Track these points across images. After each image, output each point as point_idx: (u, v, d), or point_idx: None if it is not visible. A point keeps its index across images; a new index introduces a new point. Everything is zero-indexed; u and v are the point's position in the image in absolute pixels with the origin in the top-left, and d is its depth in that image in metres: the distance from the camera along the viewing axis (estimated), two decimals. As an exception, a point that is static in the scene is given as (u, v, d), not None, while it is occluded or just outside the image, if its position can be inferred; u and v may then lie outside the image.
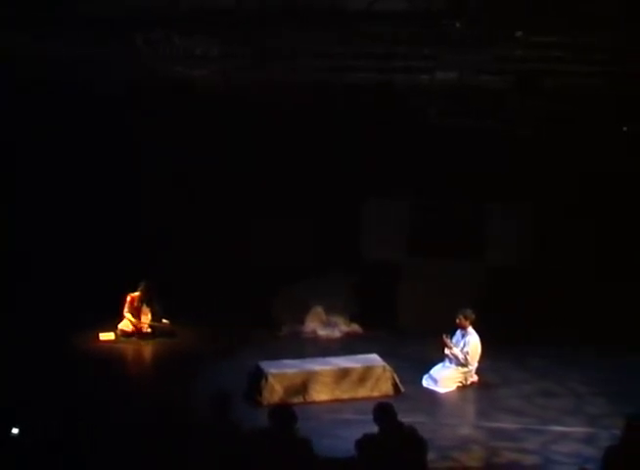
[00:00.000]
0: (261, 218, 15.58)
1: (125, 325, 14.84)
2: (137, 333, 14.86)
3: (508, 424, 11.23)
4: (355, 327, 15.69)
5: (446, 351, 12.74)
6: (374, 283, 15.83)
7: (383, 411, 8.19)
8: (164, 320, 15.03)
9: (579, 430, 11.02)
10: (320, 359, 12.58)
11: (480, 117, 13.12)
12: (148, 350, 14.61)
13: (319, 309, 15.68)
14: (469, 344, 12.70)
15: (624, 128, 13.94)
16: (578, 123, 13.96)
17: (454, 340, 12.82)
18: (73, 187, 15.24)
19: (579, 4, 8.90)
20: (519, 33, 9.69)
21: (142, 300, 14.99)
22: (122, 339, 14.76)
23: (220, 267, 15.53)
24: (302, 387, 11.86)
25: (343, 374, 12.11)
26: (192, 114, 14.30)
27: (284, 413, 7.79)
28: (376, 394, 11.95)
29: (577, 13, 9.01)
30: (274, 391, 11.66)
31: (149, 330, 14.90)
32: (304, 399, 11.77)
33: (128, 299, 14.94)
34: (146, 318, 14.96)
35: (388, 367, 12.30)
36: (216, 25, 9.77)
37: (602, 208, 15.19)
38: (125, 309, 14.87)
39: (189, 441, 7.70)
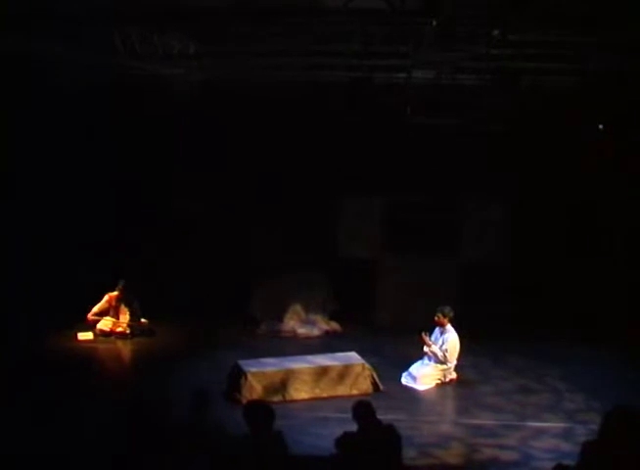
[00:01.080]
0: (239, 217, 15.58)
1: (104, 325, 14.80)
2: (115, 333, 14.81)
3: (487, 421, 11.28)
4: (334, 325, 15.72)
5: (425, 348, 12.78)
6: (352, 281, 15.86)
7: (362, 409, 8.22)
8: (143, 320, 14.98)
9: (558, 425, 11.08)
10: (299, 358, 12.57)
11: (456, 115, 13.15)
12: (126, 349, 14.56)
13: (298, 308, 15.69)
14: (447, 341, 12.74)
15: (600, 126, 14.01)
16: (554, 121, 14.05)
17: (433, 337, 12.85)
18: (51, 186, 15.16)
19: (555, 3, 8.94)
20: (495, 32, 9.71)
21: (120, 299, 14.95)
22: (101, 338, 14.71)
23: (198, 266, 15.52)
24: (282, 385, 11.85)
25: (323, 372, 12.11)
26: (169, 112, 14.26)
27: (260, 411, 7.77)
28: (355, 392, 11.97)
29: (553, 11, 9.04)
30: (253, 389, 11.65)
31: (127, 330, 14.85)
32: (284, 397, 11.77)
33: (106, 298, 14.90)
34: (124, 318, 14.91)
35: (367, 365, 12.32)
36: (193, 24, 9.75)
37: (576, 205, 15.30)
38: (94, 310, 14.81)
39: (168, 440, 7.70)
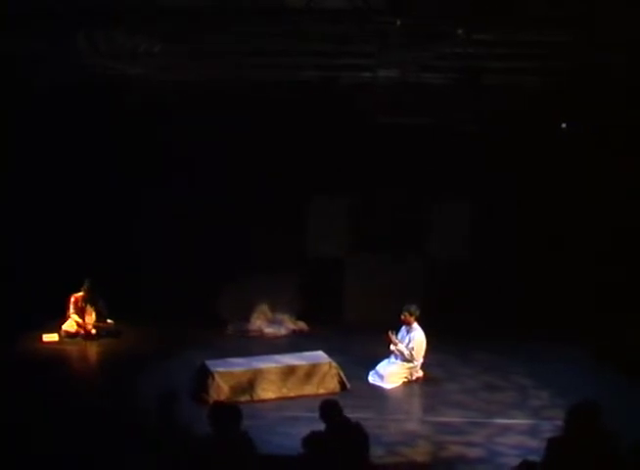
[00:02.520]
0: (206, 217, 15.54)
1: (69, 326, 14.71)
2: (81, 333, 14.72)
3: (453, 418, 11.34)
4: (301, 324, 15.73)
5: (392, 347, 12.82)
6: (319, 280, 15.89)
7: (328, 408, 8.24)
8: (109, 320, 14.92)
9: (523, 422, 11.16)
10: (266, 357, 12.57)
11: (421, 114, 13.20)
12: (92, 350, 14.47)
13: (265, 307, 15.69)
14: (414, 339, 12.79)
15: (563, 125, 14.12)
16: (519, 120, 14.14)
17: (399, 336, 12.90)
18: (15, 187, 15.04)
19: (519, 2, 8.99)
20: (459, 31, 9.74)
21: (86, 300, 14.86)
22: (66, 340, 14.62)
23: (165, 266, 15.48)
24: (249, 385, 11.84)
25: (290, 372, 12.12)
26: (133, 111, 14.19)
27: (226, 412, 7.76)
28: (322, 391, 11.99)
29: (517, 11, 9.10)
30: (220, 389, 11.63)
31: (93, 330, 14.77)
32: (251, 397, 11.76)
33: (72, 299, 14.81)
34: (90, 318, 14.83)
35: (334, 364, 12.34)
36: (159, 23, 9.70)
37: (542, 202, 15.41)
38: (71, 310, 14.74)
39: (136, 441, 7.68)
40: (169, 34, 10.14)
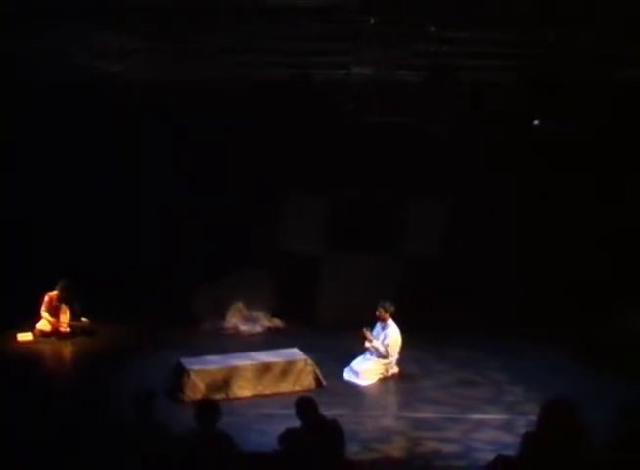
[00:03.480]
0: (182, 215, 15.49)
1: (43, 325, 14.62)
2: (56, 333, 14.66)
3: (429, 414, 11.39)
4: (276, 322, 15.72)
5: (367, 343, 12.85)
6: (294, 277, 15.88)
7: (304, 405, 8.26)
8: (84, 319, 14.85)
9: (498, 417, 11.24)
10: (242, 355, 12.57)
11: (396, 111, 13.23)
12: (67, 349, 14.40)
13: (240, 305, 15.67)
14: (389, 336, 12.83)
15: (535, 122, 14.18)
16: (493, 117, 14.20)
17: (374, 332, 12.94)
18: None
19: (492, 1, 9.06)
20: (432, 29, 9.79)
21: (60, 299, 14.79)
22: (41, 339, 14.53)
23: (139, 264, 15.42)
24: (225, 383, 11.84)
25: (265, 369, 12.13)
26: (115, 109, 14.13)
27: (208, 410, 7.77)
28: (298, 388, 12.00)
29: (491, 8, 9.15)
30: (196, 387, 11.62)
31: (68, 329, 14.70)
32: (227, 394, 11.75)
33: (46, 298, 14.74)
34: (64, 317, 14.76)
35: (309, 361, 12.36)
36: (139, 21, 9.68)
37: (518, 200, 15.49)
38: (43, 309, 14.66)
39: (112, 440, 7.66)
40: (152, 33, 10.13)
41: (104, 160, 15.15)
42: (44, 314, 14.65)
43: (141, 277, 15.20)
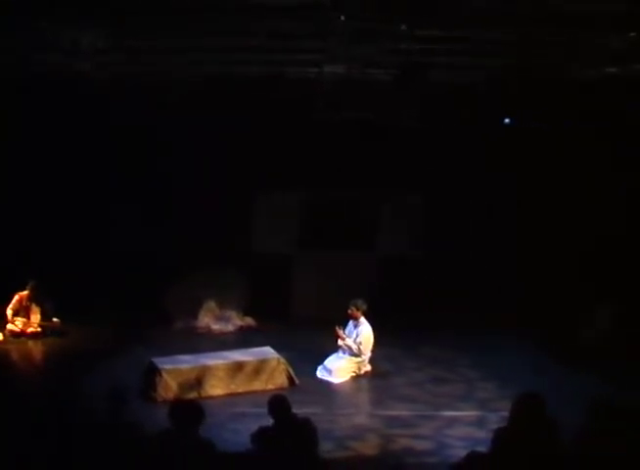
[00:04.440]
0: (154, 214, 15.45)
1: (13, 325, 14.53)
2: (26, 333, 14.56)
3: (402, 411, 11.42)
4: (249, 320, 15.72)
5: (339, 341, 12.87)
6: (266, 276, 15.87)
7: (276, 404, 8.25)
8: (55, 319, 14.76)
9: (470, 414, 11.29)
10: (214, 354, 12.55)
11: (367, 109, 13.25)
12: (38, 350, 14.32)
13: (212, 304, 15.66)
14: (361, 334, 12.86)
15: (506, 120, 14.25)
16: (462, 116, 14.26)
17: (347, 331, 12.96)
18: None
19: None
20: (403, 27, 9.80)
21: (31, 298, 14.71)
22: (11, 339, 14.45)
23: (110, 264, 15.36)
24: (197, 382, 11.82)
25: (238, 368, 12.12)
26: (77, 107, 14.05)
27: (187, 411, 7.71)
28: (270, 386, 12.00)
29: (461, 7, 9.18)
30: (168, 387, 11.59)
31: (38, 330, 14.62)
32: (199, 394, 11.72)
33: (17, 298, 14.64)
34: (35, 318, 14.68)
35: (282, 360, 12.36)
36: (103, 17, 9.61)
37: (489, 197, 15.56)
38: (9, 308, 14.56)
39: (83, 440, 7.62)
40: (121, 31, 10.08)
41: (72, 157, 15.06)
42: (8, 312, 14.54)
43: (112, 277, 15.14)
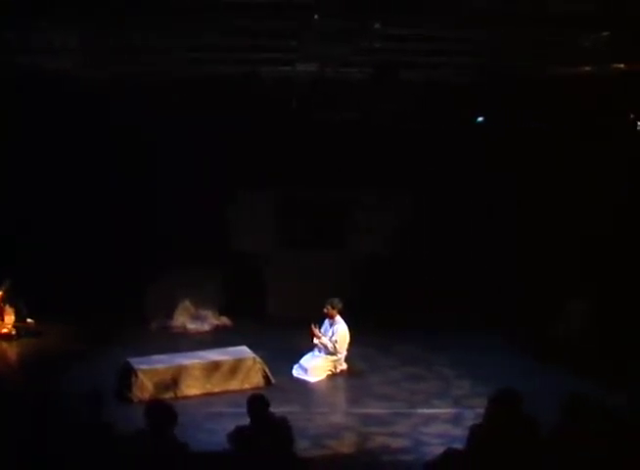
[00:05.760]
0: (128, 213, 15.39)
1: (-13, 327, 14.49)
2: (0, 334, 14.48)
3: (378, 409, 11.45)
4: (225, 320, 15.72)
5: (315, 340, 12.88)
6: (242, 275, 15.87)
7: (255, 403, 8.24)
8: (29, 320, 14.71)
9: (446, 411, 11.33)
10: (190, 354, 12.53)
11: (341, 108, 13.27)
12: (13, 351, 14.25)
13: (188, 303, 15.63)
14: (337, 332, 12.88)
15: (479, 119, 14.30)
16: (437, 114, 14.30)
17: (323, 329, 12.98)
18: None
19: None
20: (376, 26, 9.81)
21: (5, 300, 14.63)
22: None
23: (86, 264, 15.28)
24: (173, 382, 11.79)
25: (214, 367, 12.10)
26: (48, 106, 13.96)
27: (161, 412, 7.70)
28: (247, 386, 11.99)
29: (435, 6, 9.21)
30: (144, 387, 11.56)
31: (13, 331, 14.54)
32: (175, 394, 11.70)
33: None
34: (9, 319, 14.61)
35: (258, 359, 12.36)
36: (76, 16, 9.56)
37: (462, 194, 15.61)
38: None
39: (61, 441, 7.59)
40: (87, 29, 10.02)
41: (47, 158, 14.98)
42: None
43: (87, 277, 15.07)
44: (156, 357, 12.23)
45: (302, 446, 9.45)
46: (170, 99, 13.58)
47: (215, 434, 9.66)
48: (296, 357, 13.00)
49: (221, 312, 15.79)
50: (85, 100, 13.40)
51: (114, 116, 14.18)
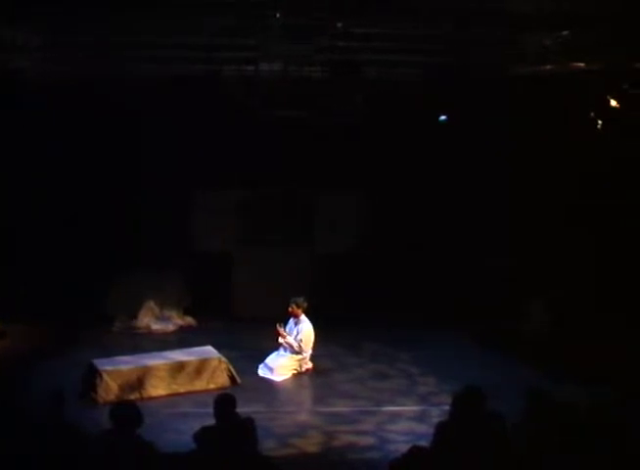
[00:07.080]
0: (90, 213, 15.30)
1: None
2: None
3: (343, 408, 11.48)
4: (189, 320, 15.67)
5: (280, 339, 12.88)
6: (206, 275, 15.82)
7: (222, 403, 8.23)
8: (-8, 322, 14.58)
9: (412, 409, 11.38)
10: (155, 354, 12.48)
11: (304, 107, 13.27)
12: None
13: (152, 304, 15.56)
14: (302, 331, 12.89)
15: (442, 117, 14.36)
16: (399, 113, 14.35)
17: (288, 328, 12.98)
18: None
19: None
20: (339, 24, 9.84)
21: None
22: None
23: (49, 264, 15.17)
24: (138, 383, 11.73)
25: (179, 368, 12.06)
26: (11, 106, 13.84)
27: (127, 413, 7.66)
28: (212, 386, 11.97)
29: (397, 5, 9.24)
30: (109, 388, 11.50)
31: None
32: (141, 394, 11.64)
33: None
34: (-28, 321, 14.47)
35: (223, 359, 12.34)
36: (39, 14, 9.48)
37: (424, 194, 15.67)
38: None
39: (23, 441, 7.54)
40: (55, 28, 9.95)
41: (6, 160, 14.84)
42: None
43: (51, 277, 14.96)
44: (120, 358, 12.17)
45: (268, 446, 9.47)
46: (131, 99, 13.52)
47: (181, 434, 9.63)
48: (261, 357, 13.00)
49: (186, 312, 15.73)
50: (44, 100, 13.29)
51: (75, 116, 14.10)
